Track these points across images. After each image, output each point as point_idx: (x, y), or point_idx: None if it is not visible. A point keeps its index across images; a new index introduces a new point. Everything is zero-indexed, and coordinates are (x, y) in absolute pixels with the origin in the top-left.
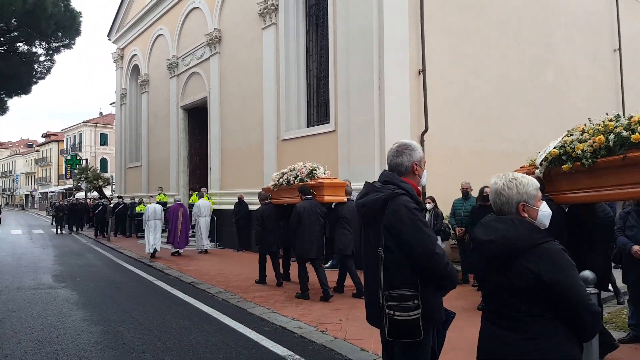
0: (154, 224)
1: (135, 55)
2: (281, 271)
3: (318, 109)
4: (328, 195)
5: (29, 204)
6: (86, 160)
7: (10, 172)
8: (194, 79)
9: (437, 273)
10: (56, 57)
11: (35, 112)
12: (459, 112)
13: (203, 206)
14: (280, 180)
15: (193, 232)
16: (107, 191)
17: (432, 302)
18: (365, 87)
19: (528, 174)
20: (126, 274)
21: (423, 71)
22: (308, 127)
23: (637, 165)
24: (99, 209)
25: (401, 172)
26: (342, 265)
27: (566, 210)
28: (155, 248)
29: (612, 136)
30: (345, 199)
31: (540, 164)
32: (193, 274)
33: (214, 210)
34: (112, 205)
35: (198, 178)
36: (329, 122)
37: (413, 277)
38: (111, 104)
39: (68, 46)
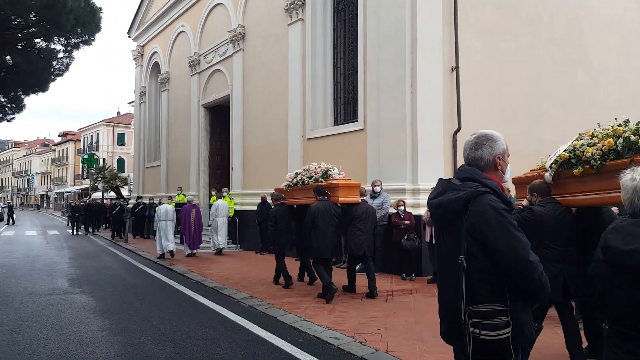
0: (165, 225)
1: (155, 52)
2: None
3: (345, 107)
4: (343, 196)
5: (45, 204)
6: (103, 159)
7: (26, 171)
8: (216, 76)
9: (530, 284)
10: (75, 53)
11: (52, 111)
12: (491, 111)
13: (221, 206)
14: (294, 180)
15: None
16: (125, 191)
17: (522, 318)
18: (397, 84)
19: (538, 176)
20: (145, 278)
21: (456, 68)
22: (335, 125)
23: None
24: (117, 209)
25: (481, 167)
26: (351, 265)
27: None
28: (170, 250)
29: (620, 140)
30: (359, 199)
31: (550, 167)
32: (216, 277)
33: (235, 211)
34: (130, 205)
35: (219, 178)
36: (357, 121)
37: (501, 289)
38: (129, 103)
39: (87, 42)
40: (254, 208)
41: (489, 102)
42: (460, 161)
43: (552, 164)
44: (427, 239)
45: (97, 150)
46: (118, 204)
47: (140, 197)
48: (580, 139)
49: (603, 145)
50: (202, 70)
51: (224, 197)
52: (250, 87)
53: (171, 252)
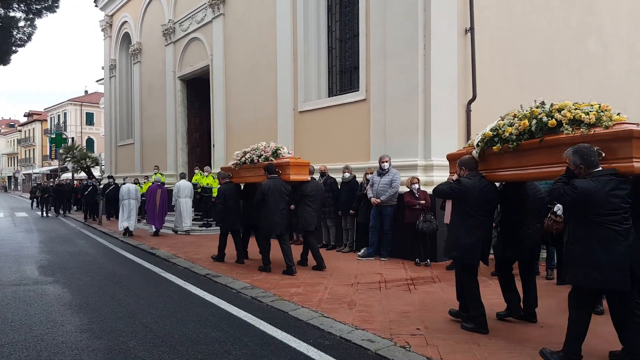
0: (129, 204)
1: (125, 22)
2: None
3: (341, 76)
4: (294, 174)
5: (12, 186)
6: (72, 139)
7: None
8: (194, 45)
9: None
10: (37, 22)
11: (17, 91)
12: (507, 79)
13: (183, 187)
14: (243, 159)
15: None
16: (96, 172)
17: None
18: (408, 47)
19: (467, 153)
20: (127, 265)
21: (471, 30)
22: (330, 96)
23: (553, 147)
24: (89, 189)
25: None
26: (305, 240)
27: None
28: (127, 227)
29: (534, 121)
30: (309, 177)
31: (477, 145)
32: (206, 264)
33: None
34: (102, 186)
35: (199, 156)
36: (357, 90)
37: None
38: (97, 81)
39: (50, 9)
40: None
41: (504, 69)
42: (474, 134)
43: (479, 142)
44: (446, 221)
45: (65, 130)
46: (90, 184)
47: (111, 177)
48: (503, 119)
49: (519, 126)
50: (178, 39)
51: (206, 176)
52: (233, 57)
53: (129, 230)
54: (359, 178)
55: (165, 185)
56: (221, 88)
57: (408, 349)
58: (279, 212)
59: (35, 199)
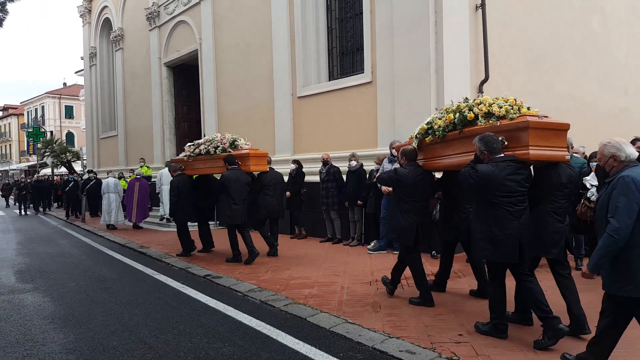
0: (108, 197)
1: (106, 7)
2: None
3: (342, 58)
4: (253, 165)
5: None
6: (51, 132)
7: None
8: (181, 29)
9: None
10: (9, 7)
11: None
12: (516, 58)
13: (166, 175)
14: (196, 150)
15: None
16: (77, 166)
17: None
18: (418, 23)
19: (410, 144)
20: (115, 266)
21: (482, 6)
22: (331, 80)
23: (470, 137)
24: (70, 185)
25: None
26: (264, 232)
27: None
28: (110, 223)
29: (457, 115)
30: (267, 168)
31: (416, 137)
32: (202, 263)
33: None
34: (82, 180)
35: None
36: (362, 72)
37: None
38: (77, 72)
39: None
40: None
41: (513, 48)
42: None
43: (417, 134)
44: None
45: (44, 124)
46: (72, 180)
47: (92, 171)
48: (436, 113)
49: (445, 119)
50: (163, 24)
51: None
52: (224, 40)
53: (112, 225)
54: (367, 166)
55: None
56: (211, 74)
57: None
58: (241, 203)
59: (7, 198)
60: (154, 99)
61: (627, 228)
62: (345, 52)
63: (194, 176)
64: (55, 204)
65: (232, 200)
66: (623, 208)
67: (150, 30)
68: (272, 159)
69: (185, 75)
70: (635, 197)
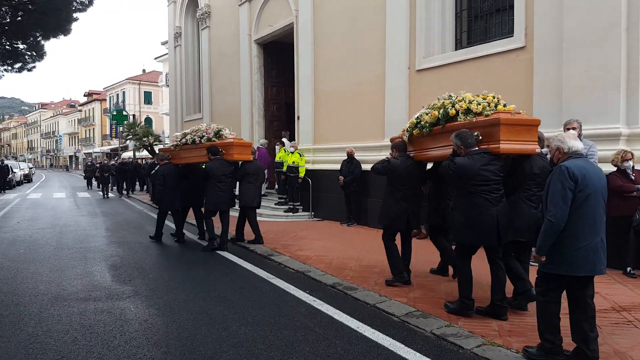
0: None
1: None
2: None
3: (472, 23)
4: (237, 154)
5: (73, 165)
6: (133, 116)
7: (53, 132)
8: (274, 2)
9: None
10: None
11: (77, 71)
12: None
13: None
14: (183, 140)
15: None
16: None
17: None
18: None
19: (401, 137)
20: (220, 264)
21: None
22: (457, 49)
23: (451, 132)
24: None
25: None
26: (245, 216)
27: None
28: None
29: (442, 111)
30: (251, 157)
31: (407, 130)
32: (322, 266)
33: (306, 170)
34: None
35: (275, 131)
36: (511, 36)
37: None
38: (156, 58)
39: None
40: (331, 167)
41: None
42: None
43: (408, 127)
44: None
45: (124, 109)
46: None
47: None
48: (424, 109)
49: (432, 115)
50: None
51: (291, 153)
52: (325, 10)
53: None
54: None
55: None
56: (309, 50)
57: None
58: (226, 191)
59: (90, 180)
60: (242, 79)
61: (563, 212)
62: (479, 15)
63: (179, 165)
64: (140, 188)
65: (215, 189)
66: (557, 194)
67: (240, 5)
68: (380, 144)
69: (274, 53)
70: (569, 183)
